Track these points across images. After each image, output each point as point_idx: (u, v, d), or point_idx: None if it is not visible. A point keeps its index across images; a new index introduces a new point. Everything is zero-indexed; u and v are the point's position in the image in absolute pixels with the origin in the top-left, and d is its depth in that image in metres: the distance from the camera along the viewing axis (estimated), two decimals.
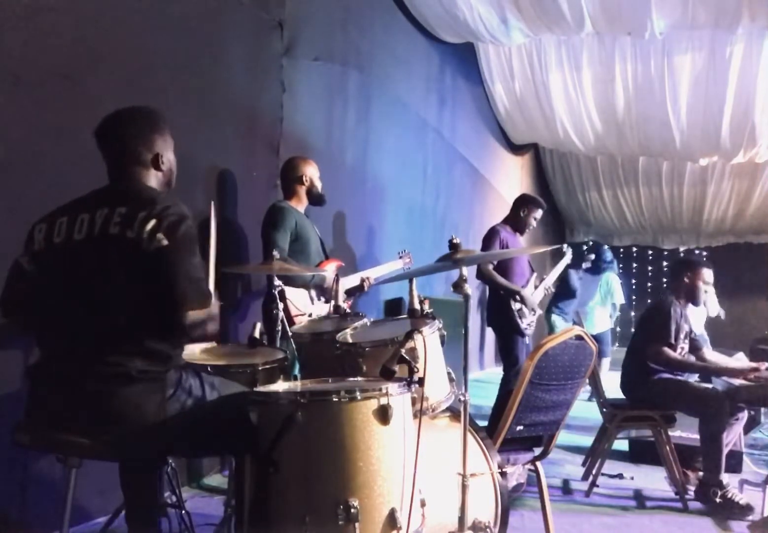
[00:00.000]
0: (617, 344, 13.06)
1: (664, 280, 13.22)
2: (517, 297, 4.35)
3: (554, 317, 7.58)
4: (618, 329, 13.66)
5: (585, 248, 12.08)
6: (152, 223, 1.72)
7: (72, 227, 1.80)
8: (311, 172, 3.61)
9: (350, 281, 3.63)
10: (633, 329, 4.17)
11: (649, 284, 14.63)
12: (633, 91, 8.04)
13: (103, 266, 1.75)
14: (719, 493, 3.35)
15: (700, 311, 6.90)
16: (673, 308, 3.76)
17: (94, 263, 1.76)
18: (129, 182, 1.90)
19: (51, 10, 2.54)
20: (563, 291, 7.58)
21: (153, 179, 1.94)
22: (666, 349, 3.67)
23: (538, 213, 4.61)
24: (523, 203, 4.62)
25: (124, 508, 2.05)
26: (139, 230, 1.72)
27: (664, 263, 14.08)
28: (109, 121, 1.94)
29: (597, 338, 2.68)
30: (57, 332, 1.81)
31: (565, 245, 5.46)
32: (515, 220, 4.58)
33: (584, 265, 7.80)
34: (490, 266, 4.36)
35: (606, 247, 8.26)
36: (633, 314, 13.69)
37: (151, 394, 1.71)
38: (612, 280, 7.70)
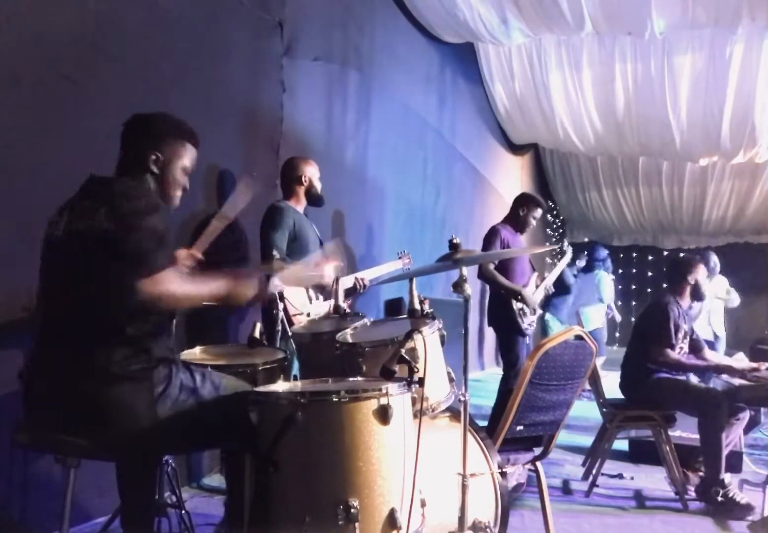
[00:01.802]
0: (617, 345, 13.07)
1: (664, 280, 13.22)
2: (519, 297, 4.35)
3: (547, 316, 7.61)
4: (618, 328, 13.67)
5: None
6: (102, 211, 1.74)
7: (55, 224, 1.83)
8: (311, 172, 3.60)
9: (344, 282, 3.61)
10: (632, 330, 4.16)
11: (649, 285, 14.63)
12: (633, 91, 8.04)
13: (66, 262, 1.77)
14: (720, 492, 3.35)
15: (717, 308, 6.89)
16: (671, 309, 3.76)
17: (60, 260, 1.78)
18: (115, 173, 1.92)
19: (51, 10, 2.54)
20: (556, 290, 7.61)
21: (149, 181, 1.93)
22: (668, 351, 3.68)
23: (538, 212, 4.60)
24: (522, 202, 4.61)
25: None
26: (88, 220, 1.74)
27: (664, 263, 14.07)
28: (139, 114, 1.99)
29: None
30: (46, 330, 1.81)
31: (565, 244, 5.46)
32: (515, 219, 4.58)
33: (578, 263, 7.85)
34: (492, 266, 4.36)
35: (600, 246, 8.28)
36: (633, 313, 13.69)
37: (139, 393, 1.71)
38: (601, 278, 7.70)
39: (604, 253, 7.84)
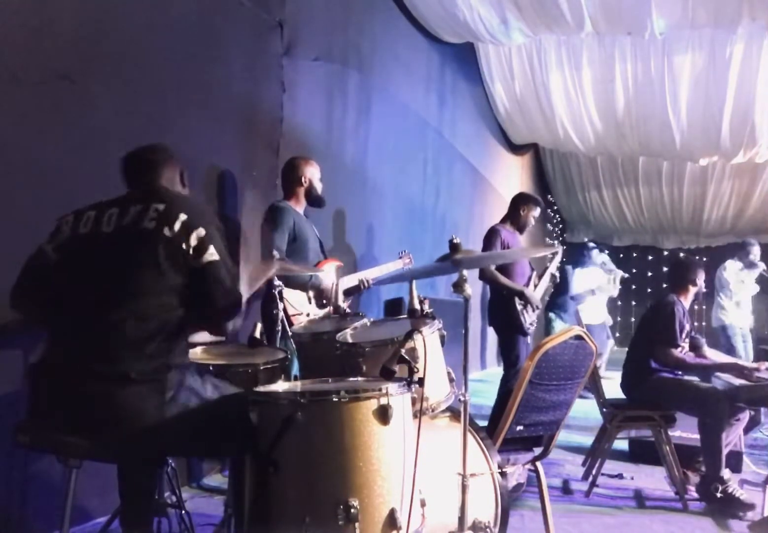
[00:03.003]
0: (617, 345, 13.07)
1: (664, 279, 13.23)
2: (521, 296, 4.35)
3: (551, 315, 7.68)
4: (617, 329, 13.69)
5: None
6: (201, 232, 1.76)
7: (100, 220, 1.81)
8: (311, 173, 3.60)
9: (348, 281, 3.62)
10: (635, 330, 4.16)
11: (649, 284, 14.62)
12: (633, 91, 8.04)
13: (128, 259, 1.75)
14: (720, 488, 3.36)
15: (745, 311, 6.91)
16: (677, 309, 3.76)
17: (120, 255, 1.76)
18: (162, 185, 1.94)
19: (51, 10, 2.54)
20: (560, 289, 7.68)
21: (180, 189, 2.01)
22: (673, 350, 3.68)
23: (537, 211, 4.61)
24: (521, 202, 4.62)
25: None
26: (183, 232, 1.74)
27: (664, 263, 14.06)
28: (156, 146, 2.04)
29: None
30: (62, 329, 1.80)
31: (556, 243, 5.46)
32: (515, 219, 4.58)
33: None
34: (493, 266, 4.36)
35: (587, 244, 8.37)
36: (633, 313, 13.69)
37: (151, 396, 1.71)
38: (574, 273, 7.83)
39: (588, 250, 7.98)
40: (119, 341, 1.72)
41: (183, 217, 1.75)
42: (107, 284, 1.75)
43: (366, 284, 3.60)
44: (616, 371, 4.91)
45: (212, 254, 1.76)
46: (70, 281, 1.80)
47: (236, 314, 1.86)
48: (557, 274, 4.97)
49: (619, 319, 13.72)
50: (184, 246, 1.73)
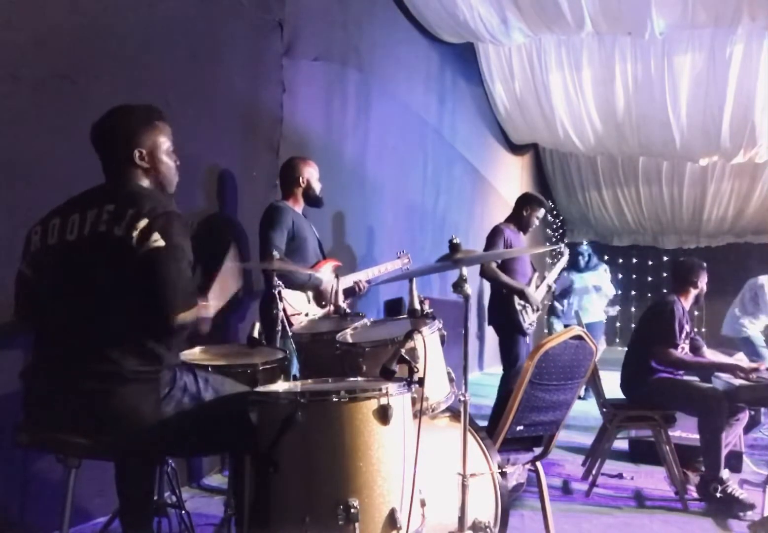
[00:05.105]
0: (618, 343, 13.12)
1: (664, 279, 13.23)
2: (522, 295, 4.35)
3: (553, 319, 7.69)
4: (618, 324, 13.72)
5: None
6: (144, 222, 1.70)
7: (64, 229, 1.80)
8: (309, 173, 3.60)
9: (344, 282, 3.61)
10: (634, 330, 4.16)
11: (649, 285, 14.62)
12: (633, 91, 8.04)
13: (94, 265, 1.75)
14: (720, 488, 3.36)
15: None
16: (676, 309, 3.76)
17: (86, 263, 1.76)
18: (118, 180, 1.89)
19: (51, 11, 2.54)
20: (559, 292, 7.68)
21: (142, 178, 1.90)
22: (672, 350, 3.68)
23: (541, 212, 4.61)
24: (525, 202, 4.62)
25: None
26: (128, 228, 1.70)
27: (664, 263, 14.06)
28: (99, 120, 1.93)
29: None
30: (52, 332, 1.81)
31: (562, 245, 5.45)
32: (518, 219, 4.59)
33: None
34: (494, 265, 4.36)
35: (585, 248, 8.36)
36: (632, 314, 13.69)
37: (146, 394, 1.71)
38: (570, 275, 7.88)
39: (583, 255, 8.01)
40: (111, 341, 1.72)
41: (130, 212, 1.72)
42: (88, 289, 1.74)
43: (360, 287, 3.58)
44: (608, 370, 4.90)
45: (156, 240, 1.68)
46: (52, 289, 1.81)
47: (186, 324, 1.74)
48: (554, 285, 4.97)
49: (618, 320, 13.73)
50: (129, 241, 1.69)
